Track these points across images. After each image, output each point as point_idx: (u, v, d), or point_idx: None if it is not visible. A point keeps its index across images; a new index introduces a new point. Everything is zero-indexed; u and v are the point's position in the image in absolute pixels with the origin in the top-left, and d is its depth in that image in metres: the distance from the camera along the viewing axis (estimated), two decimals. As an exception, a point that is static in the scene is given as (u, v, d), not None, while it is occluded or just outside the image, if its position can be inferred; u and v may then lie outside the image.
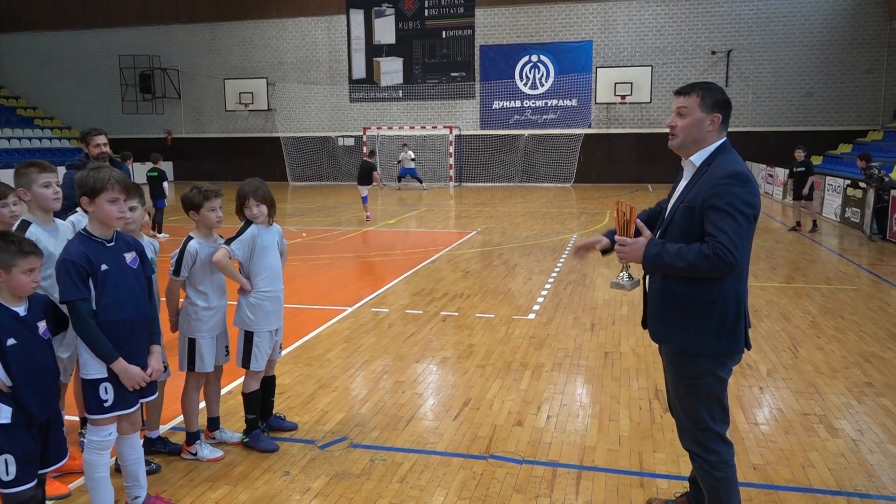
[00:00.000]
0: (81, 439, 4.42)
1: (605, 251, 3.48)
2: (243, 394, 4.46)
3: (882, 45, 24.27)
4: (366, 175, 16.41)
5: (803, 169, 13.98)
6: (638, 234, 3.20)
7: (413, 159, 25.99)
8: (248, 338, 4.37)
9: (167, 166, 29.82)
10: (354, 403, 5.20)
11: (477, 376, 5.76)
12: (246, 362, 4.38)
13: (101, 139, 5.54)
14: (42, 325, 3.15)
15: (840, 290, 8.80)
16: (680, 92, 3.12)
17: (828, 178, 16.37)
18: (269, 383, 4.63)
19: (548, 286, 9.12)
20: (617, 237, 3.19)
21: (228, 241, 4.28)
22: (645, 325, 3.44)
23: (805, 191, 13.83)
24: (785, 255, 11.26)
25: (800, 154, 14.10)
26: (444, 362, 6.14)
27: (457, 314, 7.76)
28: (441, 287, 9.14)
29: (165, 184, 14.09)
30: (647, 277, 3.27)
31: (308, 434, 4.67)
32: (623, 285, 3.31)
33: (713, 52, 25.65)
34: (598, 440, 4.54)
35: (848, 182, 14.94)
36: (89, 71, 31.31)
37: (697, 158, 3.08)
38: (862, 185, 13.87)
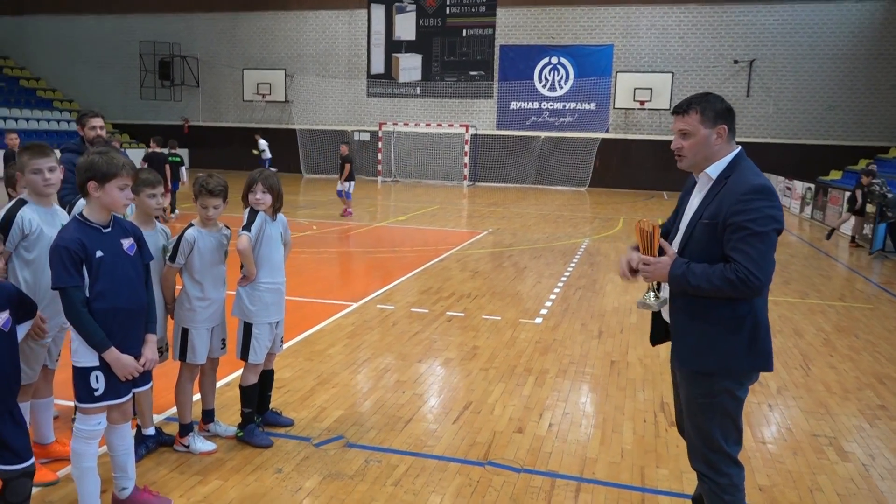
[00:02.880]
0: (74, 424, 4.35)
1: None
2: (241, 387, 4.38)
3: (908, 61, 23.90)
4: (343, 169, 16.07)
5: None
6: (662, 252, 3.06)
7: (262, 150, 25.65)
8: (247, 329, 4.28)
9: (183, 153, 29.92)
10: (353, 401, 5.11)
11: (479, 379, 5.65)
12: (244, 354, 4.30)
13: (98, 121, 5.46)
14: (3, 317, 3.03)
15: (855, 308, 8.61)
16: (677, 111, 2.99)
17: (847, 193, 16.10)
18: (267, 377, 4.55)
19: (557, 290, 8.99)
20: (641, 256, 3.05)
21: (245, 228, 4.21)
22: (654, 341, 3.33)
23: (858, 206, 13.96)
24: (800, 270, 11.06)
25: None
26: (447, 363, 6.03)
27: (463, 315, 7.65)
28: (448, 286, 9.03)
29: (184, 169, 14.64)
30: (669, 297, 3.11)
31: (304, 431, 4.58)
32: (650, 305, 3.15)
33: (735, 62, 25.37)
34: (599, 452, 4.42)
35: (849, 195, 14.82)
36: (109, 56, 31.42)
37: (713, 171, 2.96)
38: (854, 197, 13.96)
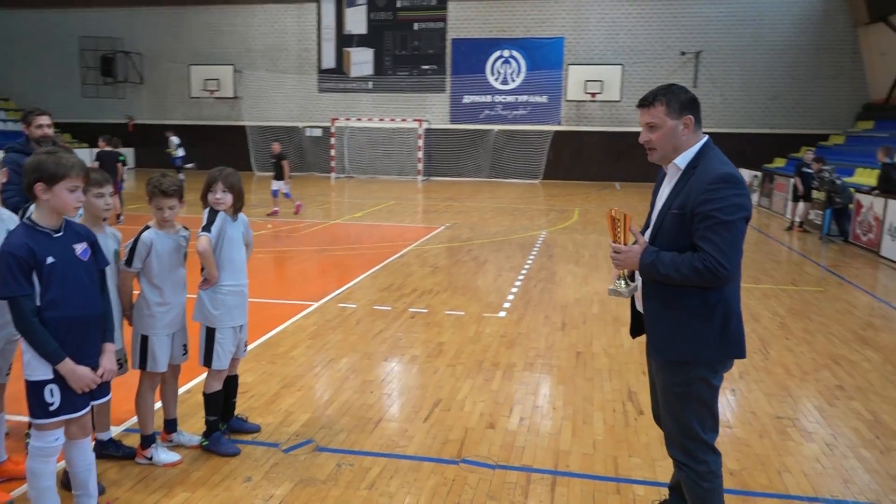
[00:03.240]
0: (28, 441, 4.15)
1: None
2: (204, 394, 4.23)
3: (847, 52, 24.69)
4: (279, 168, 15.46)
5: (810, 172, 14.37)
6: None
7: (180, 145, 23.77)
8: (210, 334, 4.14)
9: (128, 153, 29.06)
10: (320, 404, 5.00)
11: (447, 376, 5.60)
12: (208, 361, 4.16)
13: (44, 119, 5.21)
14: None
15: (806, 292, 8.85)
16: (643, 104, 2.99)
17: (792, 181, 16.55)
18: (231, 383, 4.41)
19: (518, 283, 9.00)
20: (611, 244, 3.08)
21: (205, 229, 4.05)
22: (633, 333, 3.33)
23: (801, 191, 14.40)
24: (751, 256, 11.32)
25: (809, 156, 14.61)
26: (413, 361, 5.97)
27: (426, 311, 7.59)
28: (410, 283, 8.96)
29: (125, 168, 13.89)
30: (643, 286, 3.12)
31: (271, 437, 4.46)
32: (621, 292, 3.17)
33: (683, 53, 25.83)
34: (572, 444, 4.42)
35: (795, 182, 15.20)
36: (48, 52, 30.26)
37: (682, 161, 2.98)
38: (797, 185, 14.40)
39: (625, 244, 3.03)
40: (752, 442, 4.48)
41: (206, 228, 4.05)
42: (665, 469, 4.07)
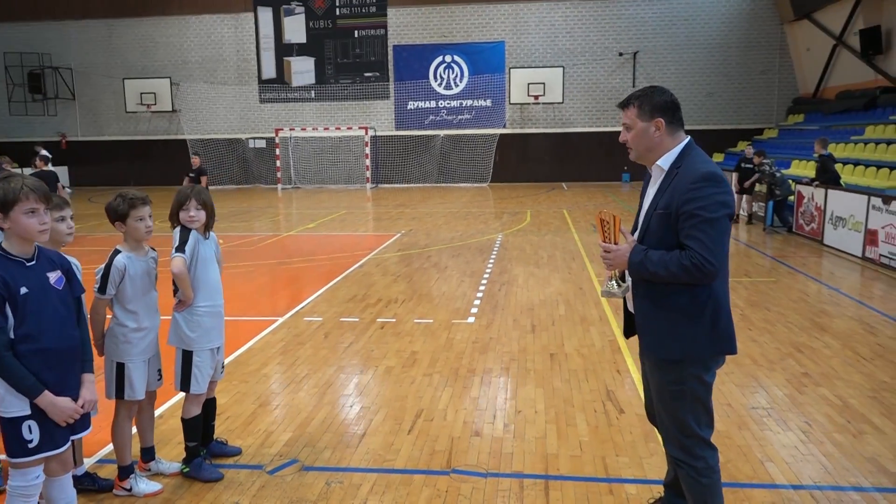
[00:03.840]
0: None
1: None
2: (183, 419, 4.08)
3: (775, 48, 25.70)
4: (198, 183, 15.14)
5: (751, 167, 14.78)
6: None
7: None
8: (187, 358, 4.00)
9: (62, 171, 27.98)
10: (300, 421, 4.89)
11: (425, 385, 5.56)
12: (185, 385, 4.01)
13: None
14: None
15: (761, 283, 9.14)
16: (620, 106, 3.14)
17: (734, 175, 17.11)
18: (210, 406, 4.27)
19: (482, 288, 9.02)
20: (601, 244, 3.13)
21: (178, 249, 3.90)
22: (627, 334, 3.36)
23: (746, 184, 14.86)
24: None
25: (750, 151, 15.16)
26: (389, 372, 5.90)
27: (394, 320, 7.53)
28: (373, 293, 8.87)
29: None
30: (634, 285, 3.17)
31: (254, 459, 4.34)
32: (614, 293, 3.21)
33: (620, 54, 26.43)
34: (559, 447, 4.44)
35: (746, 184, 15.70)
36: (-30, 69, 28.94)
37: (665, 162, 3.04)
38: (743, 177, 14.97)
39: (615, 244, 3.08)
40: (733, 434, 4.58)
41: (180, 248, 3.91)
42: (653, 466, 4.13)
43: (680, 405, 3.04)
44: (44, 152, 22.14)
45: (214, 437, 4.41)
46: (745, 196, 15.00)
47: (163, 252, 4.14)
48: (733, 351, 3.05)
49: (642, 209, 3.20)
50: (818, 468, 4.11)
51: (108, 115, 29.14)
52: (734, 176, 15.16)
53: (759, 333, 6.82)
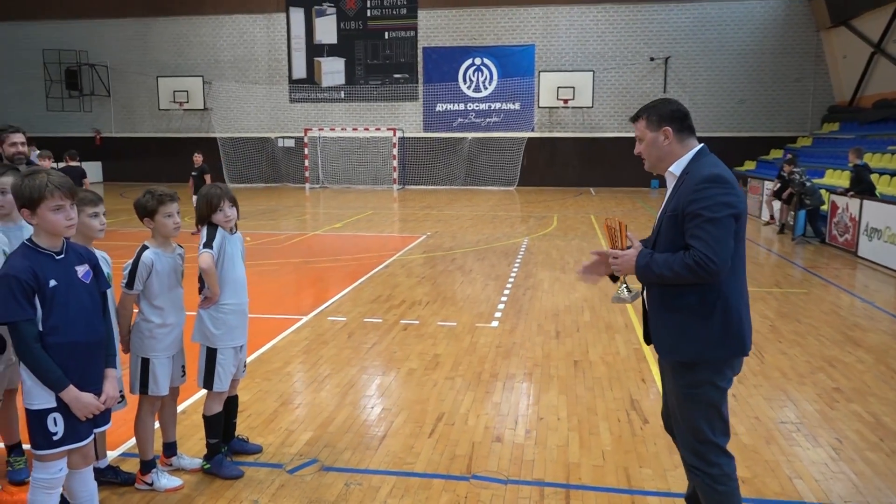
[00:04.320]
0: (9, 468, 3.98)
1: (615, 277, 3.36)
2: (204, 416, 4.10)
3: (810, 55, 25.23)
4: (202, 181, 14.08)
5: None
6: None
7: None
8: (211, 355, 4.01)
9: (95, 167, 28.50)
10: (321, 421, 4.88)
11: (447, 389, 5.52)
12: (208, 383, 4.03)
13: (18, 137, 5.04)
14: None
15: (791, 294, 8.96)
16: (632, 119, 3.25)
17: (766, 183, 16.84)
18: (231, 403, 4.28)
19: (507, 292, 8.96)
20: (609, 251, 3.19)
21: (206, 246, 3.92)
22: (647, 340, 3.32)
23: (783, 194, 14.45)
24: (733, 259, 11.44)
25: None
26: (411, 374, 5.88)
27: (418, 322, 7.51)
28: (398, 294, 8.86)
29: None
30: (646, 290, 3.21)
31: (274, 457, 4.34)
32: (624, 299, 3.29)
33: (651, 59, 26.16)
34: (581, 456, 4.37)
35: (777, 185, 15.37)
36: (9, 65, 29.56)
37: (676, 168, 3.11)
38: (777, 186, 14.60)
39: (622, 250, 3.14)
40: (760, 448, 4.48)
41: (208, 244, 3.93)
42: (677, 479, 4.05)
43: (693, 410, 3.04)
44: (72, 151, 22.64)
45: (236, 434, 4.42)
46: (782, 205, 14.68)
47: (188, 249, 4.17)
48: (745, 352, 3.06)
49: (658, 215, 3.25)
50: (849, 487, 3.99)
51: (141, 112, 29.59)
52: (771, 184, 14.86)
53: (789, 346, 6.67)
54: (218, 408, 4.10)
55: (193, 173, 14.67)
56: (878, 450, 4.46)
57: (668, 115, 3.09)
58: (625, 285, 3.28)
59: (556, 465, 4.24)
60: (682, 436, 3.13)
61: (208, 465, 4.10)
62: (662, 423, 3.48)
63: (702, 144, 3.12)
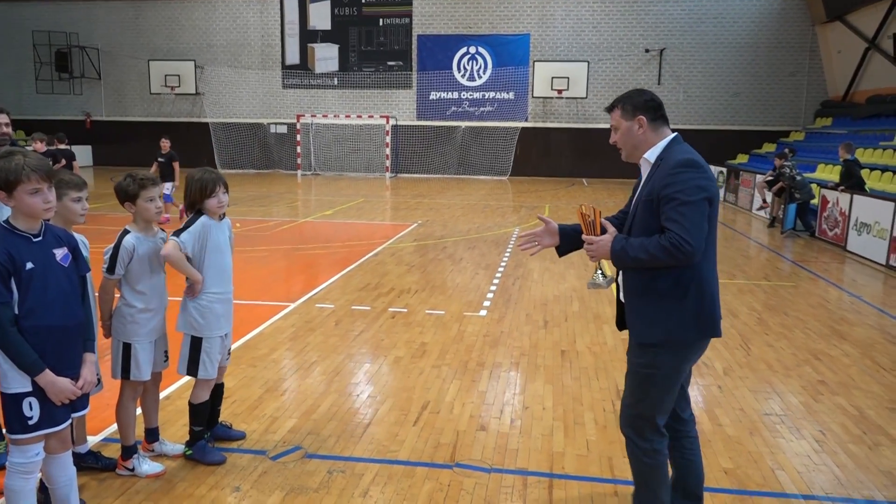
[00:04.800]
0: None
1: (561, 251, 3.51)
2: (191, 404, 4.06)
3: (805, 49, 25.23)
4: (170, 169, 13.61)
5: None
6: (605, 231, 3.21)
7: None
8: (196, 344, 3.96)
9: (85, 150, 28.26)
10: (305, 408, 4.86)
11: (433, 377, 5.51)
12: (192, 370, 3.98)
13: (3, 118, 4.97)
14: None
15: (780, 287, 8.98)
16: (607, 110, 3.31)
17: (758, 176, 16.85)
18: (217, 391, 4.24)
19: (496, 281, 8.95)
20: (584, 237, 3.22)
21: (177, 233, 3.86)
22: (620, 326, 3.38)
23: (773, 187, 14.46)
24: (722, 252, 11.46)
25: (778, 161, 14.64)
26: (398, 362, 5.86)
27: (405, 310, 7.48)
28: (387, 282, 8.83)
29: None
30: (620, 275, 3.26)
31: (258, 444, 4.32)
32: (599, 284, 3.34)
33: (647, 51, 26.09)
34: (565, 445, 4.37)
35: (770, 179, 15.37)
36: (0, 47, 29.24)
37: (651, 155, 3.16)
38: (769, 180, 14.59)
39: (597, 236, 3.17)
40: (744, 439, 4.49)
41: (179, 233, 3.85)
42: (661, 469, 4.04)
43: (649, 389, 3.13)
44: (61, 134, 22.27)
45: (220, 420, 4.39)
46: (773, 198, 14.69)
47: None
48: (717, 333, 3.13)
49: (632, 202, 3.29)
50: (831, 479, 4.01)
51: (132, 96, 29.32)
52: (762, 176, 14.90)
53: (775, 338, 6.69)
54: (205, 396, 4.06)
55: (160, 159, 13.72)
56: (860, 443, 4.47)
57: (642, 104, 3.14)
58: (600, 271, 3.34)
59: (540, 455, 4.24)
60: (625, 406, 3.23)
61: (190, 451, 4.07)
62: None
63: (675, 133, 3.18)
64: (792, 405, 5.07)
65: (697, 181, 2.92)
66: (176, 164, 13.73)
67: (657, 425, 3.14)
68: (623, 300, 3.24)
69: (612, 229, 3.14)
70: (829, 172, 16.57)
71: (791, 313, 7.64)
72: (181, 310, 3.99)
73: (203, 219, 3.92)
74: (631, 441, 3.21)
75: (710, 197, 2.96)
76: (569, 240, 3.43)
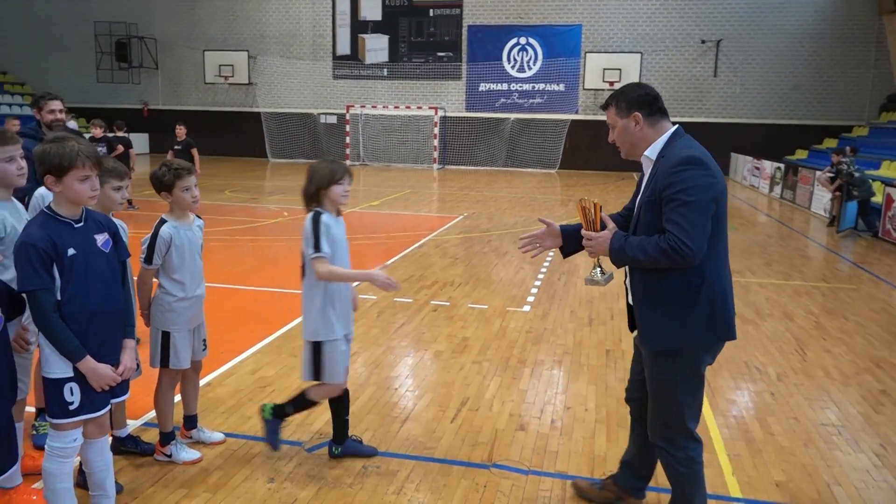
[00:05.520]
0: (33, 433, 4.03)
1: (566, 252, 3.44)
2: (307, 398, 3.92)
3: (871, 41, 24.17)
4: (188, 156, 12.54)
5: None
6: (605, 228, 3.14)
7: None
8: (316, 349, 3.80)
9: (143, 138, 28.98)
10: (343, 401, 4.82)
11: (474, 373, 5.42)
12: (317, 375, 3.83)
13: (56, 104, 5.06)
14: None
15: (840, 290, 8.59)
16: (602, 108, 3.22)
17: (817, 172, 16.21)
18: (343, 399, 3.99)
19: (541, 276, 8.79)
20: (583, 232, 3.14)
21: (316, 246, 3.75)
22: (631, 327, 3.29)
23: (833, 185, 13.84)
24: (779, 251, 11.06)
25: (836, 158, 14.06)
26: (438, 357, 5.79)
27: (448, 304, 7.40)
28: (430, 274, 8.77)
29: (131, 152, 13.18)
30: (628, 277, 3.17)
31: (294, 434, 4.30)
32: (597, 281, 3.29)
33: (703, 42, 25.38)
34: (608, 449, 4.23)
35: (830, 175, 14.74)
36: (62, 37, 30.15)
37: (651, 152, 3.04)
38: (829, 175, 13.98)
39: (597, 232, 3.08)
40: (798, 451, 4.27)
41: (318, 245, 3.77)
42: (707, 476, 3.87)
43: (671, 396, 3.04)
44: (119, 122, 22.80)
45: (350, 435, 4.07)
46: (833, 196, 14.09)
47: (207, 221, 4.11)
48: (731, 336, 3.02)
49: (636, 202, 3.16)
50: (892, 498, 3.77)
51: (187, 86, 29.94)
52: (820, 173, 14.33)
53: (833, 344, 6.38)
54: (322, 398, 3.92)
55: (176, 146, 13.04)
56: (925, 458, 4.21)
57: (635, 100, 3.03)
58: (598, 268, 3.27)
59: (581, 458, 4.11)
60: (653, 418, 3.14)
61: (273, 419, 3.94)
62: (625, 397, 3.55)
63: (676, 126, 3.05)
64: (850, 416, 4.82)
65: (700, 179, 2.82)
66: (194, 152, 12.86)
67: (689, 430, 3.06)
68: (631, 304, 3.17)
69: (611, 225, 3.08)
70: (895, 170, 15.83)
71: (851, 317, 7.29)
72: (305, 313, 3.89)
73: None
74: (664, 451, 3.13)
75: (716, 195, 2.85)
76: (572, 240, 3.36)
